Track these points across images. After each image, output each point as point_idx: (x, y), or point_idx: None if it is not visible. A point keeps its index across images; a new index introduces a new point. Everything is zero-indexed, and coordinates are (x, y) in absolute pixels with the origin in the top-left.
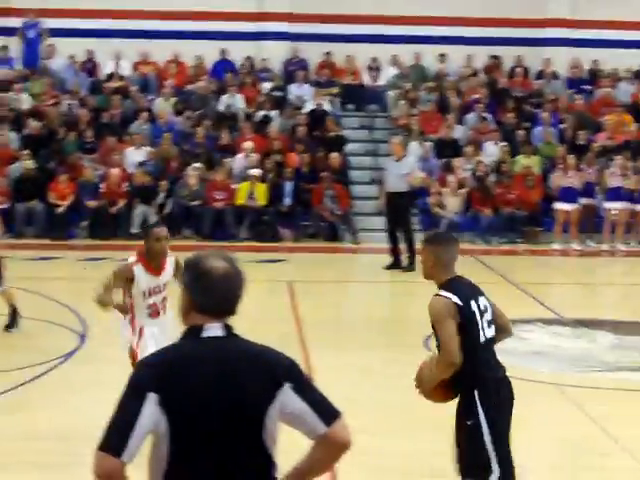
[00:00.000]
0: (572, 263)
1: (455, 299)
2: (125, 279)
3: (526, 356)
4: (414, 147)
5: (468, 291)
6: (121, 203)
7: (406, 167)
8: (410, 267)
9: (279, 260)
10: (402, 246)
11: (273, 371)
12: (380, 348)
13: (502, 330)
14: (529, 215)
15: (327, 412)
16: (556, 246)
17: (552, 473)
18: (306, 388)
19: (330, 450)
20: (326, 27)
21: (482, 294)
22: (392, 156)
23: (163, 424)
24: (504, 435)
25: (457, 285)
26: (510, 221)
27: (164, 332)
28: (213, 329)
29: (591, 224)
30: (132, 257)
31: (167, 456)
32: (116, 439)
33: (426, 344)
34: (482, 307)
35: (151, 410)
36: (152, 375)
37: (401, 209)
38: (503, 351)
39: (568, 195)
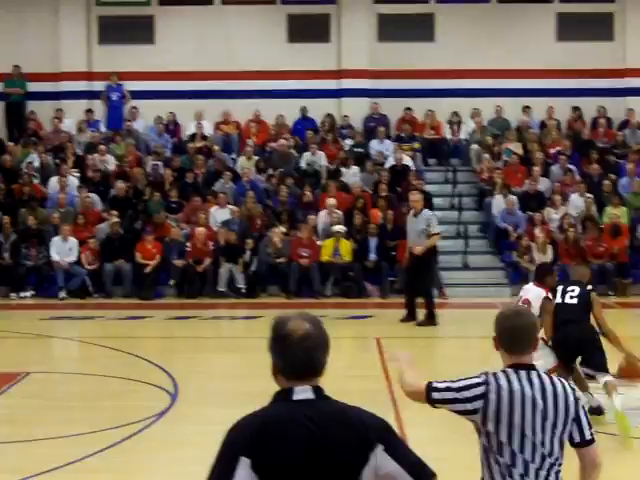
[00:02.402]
0: None
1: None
2: None
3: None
4: (498, 200)
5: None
6: (207, 261)
7: (422, 222)
8: (428, 322)
9: (366, 316)
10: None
11: (365, 433)
12: None
13: None
14: (618, 267)
15: (422, 473)
16: None
17: None
18: (399, 449)
19: None
20: (405, 82)
21: (577, 285)
22: (411, 211)
23: None
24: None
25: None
26: (601, 273)
27: None
28: (303, 392)
29: None
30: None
31: None
32: None
33: None
34: (569, 289)
35: (244, 474)
36: (245, 439)
37: (421, 267)
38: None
39: None
